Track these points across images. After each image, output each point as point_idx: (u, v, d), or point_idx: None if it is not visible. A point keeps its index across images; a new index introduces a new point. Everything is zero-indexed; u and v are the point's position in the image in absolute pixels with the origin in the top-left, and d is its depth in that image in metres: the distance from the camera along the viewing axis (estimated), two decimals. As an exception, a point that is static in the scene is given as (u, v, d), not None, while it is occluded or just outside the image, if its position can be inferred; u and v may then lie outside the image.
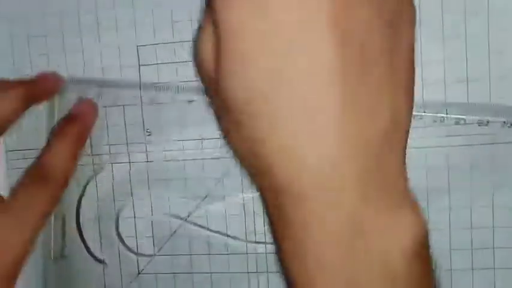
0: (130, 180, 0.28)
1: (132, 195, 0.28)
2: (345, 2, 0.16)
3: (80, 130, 0.27)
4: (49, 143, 0.26)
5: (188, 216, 0.27)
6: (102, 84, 0.28)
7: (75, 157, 0.27)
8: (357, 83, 0.17)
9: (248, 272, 0.27)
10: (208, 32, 0.19)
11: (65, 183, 0.26)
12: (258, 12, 0.17)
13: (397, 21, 0.18)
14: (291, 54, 0.17)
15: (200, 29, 0.20)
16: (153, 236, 0.28)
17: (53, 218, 0.28)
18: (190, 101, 0.27)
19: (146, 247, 0.28)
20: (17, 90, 0.26)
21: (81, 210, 0.29)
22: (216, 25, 0.18)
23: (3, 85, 0.26)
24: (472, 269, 0.25)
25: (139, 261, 0.28)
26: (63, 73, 0.28)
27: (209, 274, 0.28)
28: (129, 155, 0.28)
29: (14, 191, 0.25)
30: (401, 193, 0.18)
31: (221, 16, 0.17)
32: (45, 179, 0.25)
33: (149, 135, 0.27)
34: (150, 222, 0.28)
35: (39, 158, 0.26)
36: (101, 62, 0.28)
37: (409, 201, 0.18)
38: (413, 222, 0.18)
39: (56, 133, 0.27)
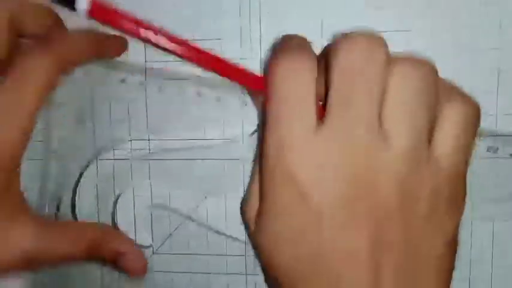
0: (131, 168, 0.27)
1: (132, 182, 0.27)
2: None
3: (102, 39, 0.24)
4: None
5: (189, 215, 0.27)
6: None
7: (91, 49, 0.24)
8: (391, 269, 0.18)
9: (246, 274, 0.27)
10: (256, 193, 0.21)
11: (75, 60, 0.23)
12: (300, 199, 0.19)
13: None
14: (330, 243, 0.18)
15: (249, 185, 0.22)
16: (151, 227, 0.27)
17: (48, 197, 0.28)
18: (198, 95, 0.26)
19: (143, 237, 0.28)
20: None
21: (78, 192, 0.28)
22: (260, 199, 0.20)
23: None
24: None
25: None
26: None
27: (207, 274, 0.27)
28: (131, 144, 0.27)
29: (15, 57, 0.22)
30: None
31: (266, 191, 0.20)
32: (52, 47, 0.22)
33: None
34: (149, 211, 0.27)
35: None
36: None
37: None
38: None
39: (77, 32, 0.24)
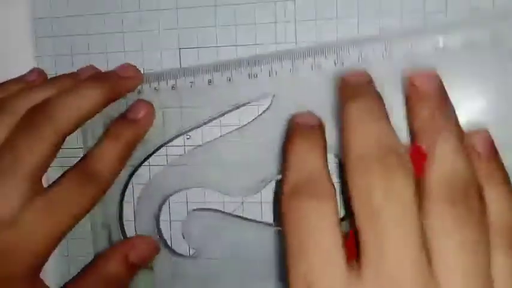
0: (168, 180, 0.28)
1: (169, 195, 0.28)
2: None
3: (133, 134, 0.26)
4: (101, 142, 0.26)
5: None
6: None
7: (123, 161, 0.26)
8: None
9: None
10: None
11: (107, 187, 0.26)
12: None
13: None
14: None
15: None
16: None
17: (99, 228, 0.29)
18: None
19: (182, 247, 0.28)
20: (97, 88, 0.25)
21: (123, 215, 0.29)
22: None
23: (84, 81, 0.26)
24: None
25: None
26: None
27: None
28: (167, 156, 0.28)
29: (55, 182, 0.25)
30: None
31: None
32: (89, 179, 0.25)
33: (188, 138, 0.27)
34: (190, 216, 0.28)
35: (87, 155, 0.26)
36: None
37: None
38: None
39: (109, 133, 0.26)
